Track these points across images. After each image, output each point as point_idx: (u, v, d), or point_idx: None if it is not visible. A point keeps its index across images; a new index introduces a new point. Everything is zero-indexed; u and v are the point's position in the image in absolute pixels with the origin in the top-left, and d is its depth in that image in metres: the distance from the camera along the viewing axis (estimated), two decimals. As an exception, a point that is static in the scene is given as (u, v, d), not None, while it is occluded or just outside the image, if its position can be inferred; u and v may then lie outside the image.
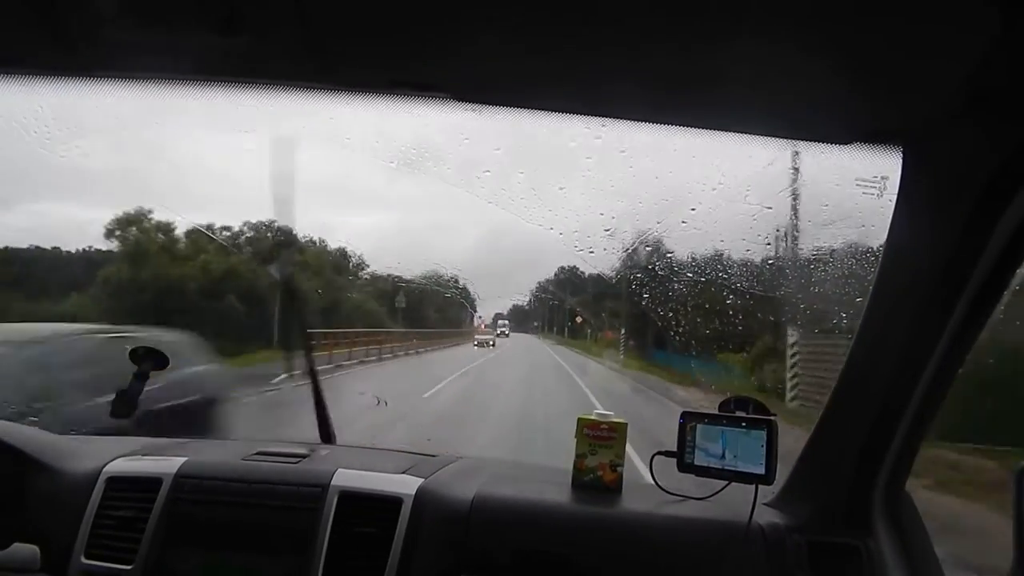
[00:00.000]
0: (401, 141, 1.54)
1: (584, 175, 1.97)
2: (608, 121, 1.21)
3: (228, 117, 1.29)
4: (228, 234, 17.63)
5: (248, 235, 18.62)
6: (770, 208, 1.71)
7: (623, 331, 16.57)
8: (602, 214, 2.35)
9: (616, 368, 15.16)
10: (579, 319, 28.09)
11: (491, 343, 23.83)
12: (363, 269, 24.39)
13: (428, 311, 24.94)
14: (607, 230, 2.43)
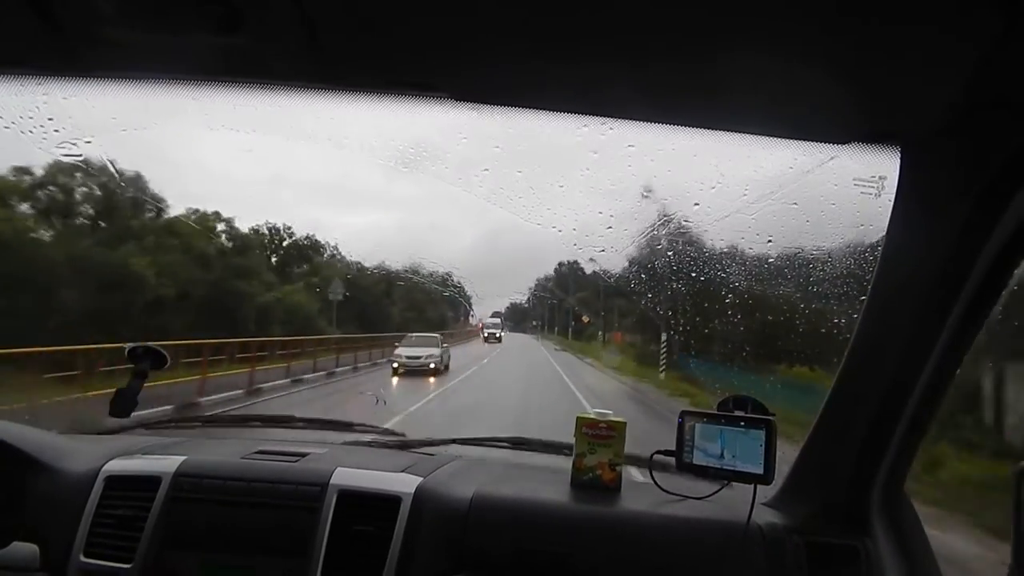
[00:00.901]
0: (399, 141, 1.54)
1: (583, 174, 1.96)
2: (607, 121, 1.21)
3: (227, 117, 1.29)
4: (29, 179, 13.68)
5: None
6: (795, 204, 1.68)
7: (664, 338, 11.97)
8: (600, 212, 2.36)
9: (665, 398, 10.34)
10: (585, 319, 26.61)
11: (434, 364, 13.37)
12: (323, 254, 21.25)
13: (388, 308, 21.83)
14: (609, 227, 2.42)
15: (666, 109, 1.14)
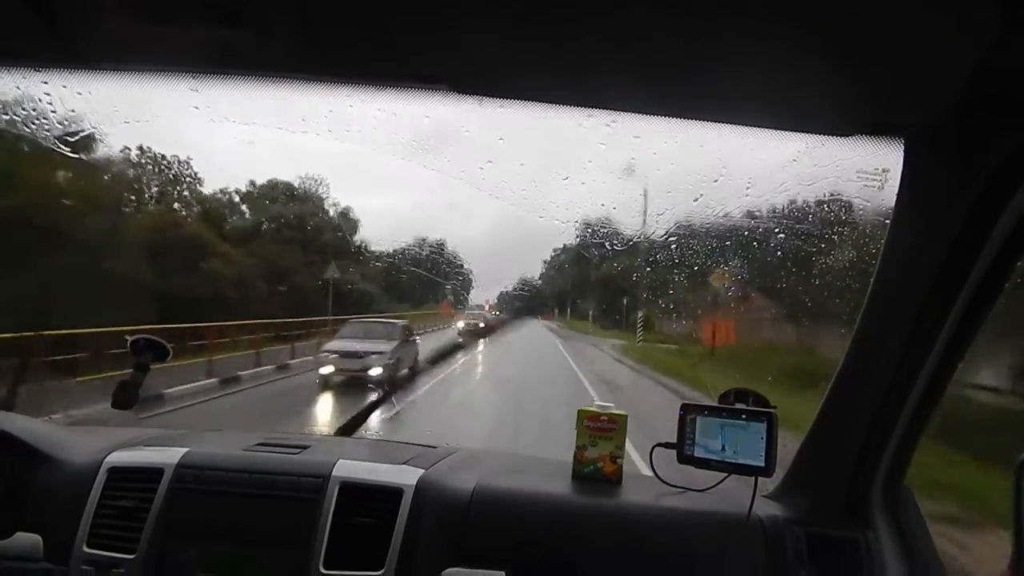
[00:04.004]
0: (401, 133, 1.53)
1: (585, 166, 1.96)
2: (610, 113, 1.20)
3: (228, 109, 1.29)
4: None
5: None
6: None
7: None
8: (603, 204, 2.36)
9: None
10: (722, 278, 9.03)
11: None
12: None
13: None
14: (660, 214, 2.37)
15: (669, 101, 1.13)
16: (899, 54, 0.88)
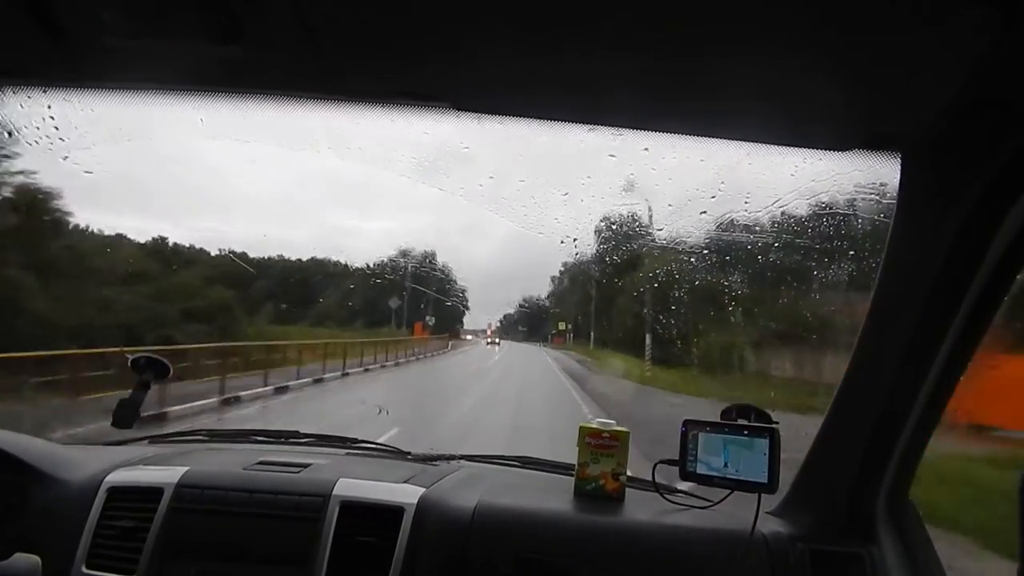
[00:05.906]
0: (401, 151, 1.54)
1: (583, 182, 1.97)
2: (609, 130, 1.21)
3: (230, 126, 1.29)
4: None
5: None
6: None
7: None
8: (603, 221, 2.36)
9: None
10: None
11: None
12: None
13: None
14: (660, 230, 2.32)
15: (667, 116, 1.14)
16: (894, 66, 0.88)
